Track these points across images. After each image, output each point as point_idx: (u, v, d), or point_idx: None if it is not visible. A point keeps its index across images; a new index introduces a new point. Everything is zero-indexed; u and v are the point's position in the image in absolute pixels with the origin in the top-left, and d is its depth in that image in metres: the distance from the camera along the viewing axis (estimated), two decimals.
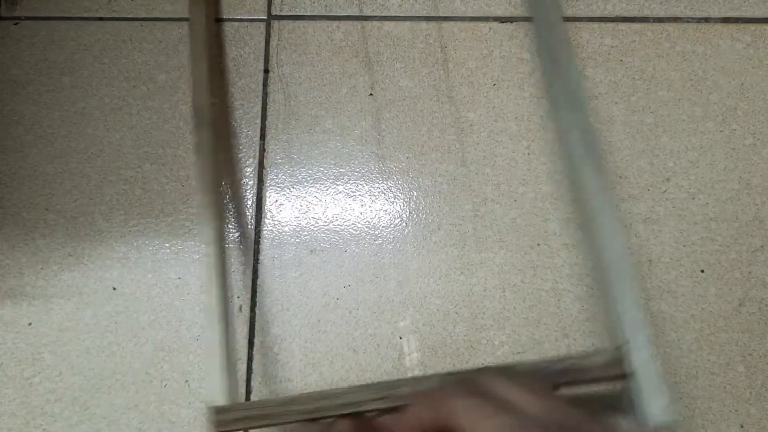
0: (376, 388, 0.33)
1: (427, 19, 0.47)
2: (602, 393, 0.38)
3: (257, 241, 0.43)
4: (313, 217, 0.43)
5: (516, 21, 0.47)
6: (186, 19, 0.48)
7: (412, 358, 0.40)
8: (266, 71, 0.46)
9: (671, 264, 0.41)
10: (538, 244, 0.42)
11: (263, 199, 0.44)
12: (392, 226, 0.43)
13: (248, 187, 0.44)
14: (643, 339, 0.34)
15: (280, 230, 0.43)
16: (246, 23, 0.47)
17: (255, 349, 0.41)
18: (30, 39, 0.47)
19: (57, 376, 0.41)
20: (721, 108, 0.44)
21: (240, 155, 0.45)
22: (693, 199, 0.42)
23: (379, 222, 0.43)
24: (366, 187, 0.44)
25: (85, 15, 0.48)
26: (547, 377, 0.33)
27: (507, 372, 0.32)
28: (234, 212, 0.44)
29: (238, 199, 0.44)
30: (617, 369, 0.33)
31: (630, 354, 0.34)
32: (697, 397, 0.39)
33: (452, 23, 0.47)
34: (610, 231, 0.36)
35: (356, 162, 0.44)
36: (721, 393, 0.39)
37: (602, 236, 0.36)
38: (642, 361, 0.33)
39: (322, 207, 0.44)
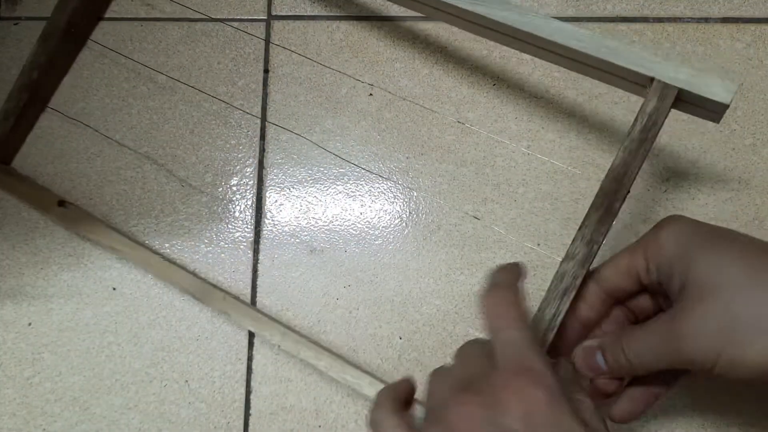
0: None
1: (427, 19, 0.47)
2: None
3: (257, 241, 0.43)
4: (313, 217, 0.43)
5: None
6: (186, 20, 0.48)
7: None
8: (266, 71, 0.46)
9: None
10: (538, 244, 0.42)
11: (263, 199, 0.44)
12: (392, 226, 0.43)
13: (248, 187, 0.44)
14: (663, 62, 0.34)
15: (280, 230, 0.43)
16: (246, 23, 0.47)
17: (255, 349, 0.41)
18: (30, 39, 0.47)
19: (57, 376, 0.41)
20: None
21: (240, 155, 0.45)
22: (693, 199, 0.42)
23: (379, 222, 0.43)
24: (366, 187, 0.44)
25: None
26: None
27: None
28: (234, 212, 0.44)
29: (238, 199, 0.44)
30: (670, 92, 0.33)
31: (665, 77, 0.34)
32: (697, 396, 0.39)
33: None
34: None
35: (356, 162, 0.44)
36: (721, 393, 0.39)
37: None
38: (679, 72, 0.34)
39: (322, 207, 0.44)
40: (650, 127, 0.33)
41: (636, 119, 0.33)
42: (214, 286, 0.40)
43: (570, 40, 0.35)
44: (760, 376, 0.26)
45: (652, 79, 0.34)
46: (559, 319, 0.31)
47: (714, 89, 0.33)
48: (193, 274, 0.41)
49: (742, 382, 0.26)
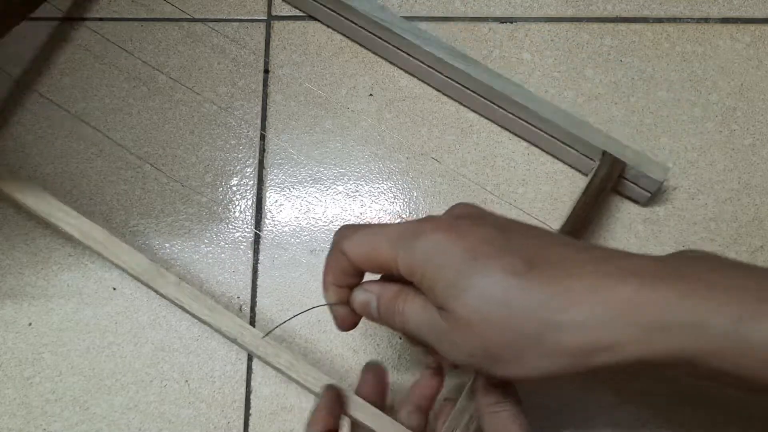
0: None
1: (427, 19, 0.47)
2: None
3: (257, 241, 0.43)
4: (313, 217, 0.43)
5: (516, 21, 0.47)
6: (187, 20, 0.48)
7: None
8: (266, 71, 0.46)
9: None
10: None
11: (263, 200, 0.44)
12: None
13: (248, 188, 0.44)
14: (613, 139, 0.40)
15: (280, 230, 0.43)
16: (246, 23, 0.47)
17: None
18: (30, 39, 0.47)
19: (57, 376, 0.41)
20: (720, 108, 0.44)
21: (240, 155, 0.45)
22: (693, 199, 0.42)
23: (379, 222, 0.43)
24: (366, 187, 0.44)
25: (85, 15, 0.48)
26: None
27: None
28: (234, 212, 0.44)
29: (238, 199, 0.44)
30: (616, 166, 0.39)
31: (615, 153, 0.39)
32: (695, 395, 0.39)
33: (452, 23, 0.47)
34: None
35: (356, 162, 0.44)
36: (721, 393, 0.39)
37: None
38: (626, 150, 0.39)
39: (322, 207, 0.44)
40: (600, 190, 0.38)
41: (590, 182, 0.39)
42: (164, 267, 0.38)
43: (541, 109, 0.40)
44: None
45: (604, 153, 0.39)
46: None
47: (651, 167, 0.39)
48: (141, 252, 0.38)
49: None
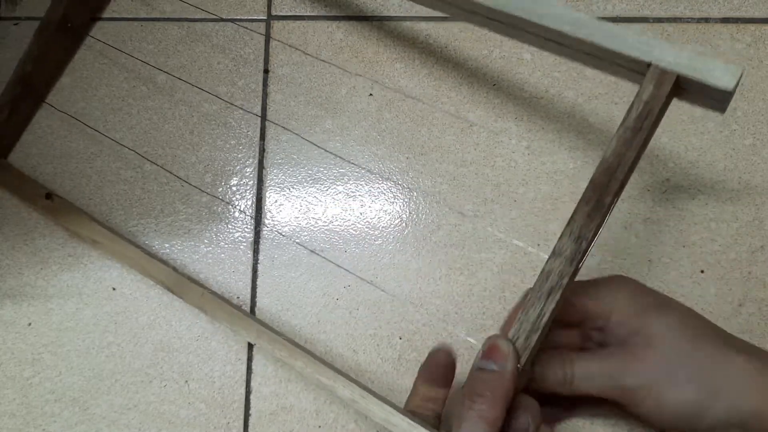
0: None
1: (427, 19, 0.47)
2: None
3: (257, 241, 0.43)
4: (313, 217, 0.43)
5: None
6: (186, 20, 0.48)
7: None
8: (266, 71, 0.46)
9: (671, 264, 0.41)
10: (538, 245, 0.42)
11: (263, 200, 0.44)
12: (392, 226, 0.43)
13: (248, 187, 0.44)
14: (662, 45, 0.31)
15: (280, 230, 0.43)
16: (246, 23, 0.47)
17: (255, 348, 0.41)
18: (30, 39, 0.47)
19: (57, 376, 0.41)
20: None
21: (240, 155, 0.45)
22: (693, 199, 0.42)
23: (379, 222, 0.43)
24: (366, 187, 0.44)
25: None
26: None
27: None
28: (234, 212, 0.44)
29: (238, 200, 0.44)
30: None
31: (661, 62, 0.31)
32: None
33: (452, 23, 0.47)
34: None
35: (356, 162, 0.44)
36: None
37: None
38: (679, 57, 0.31)
39: (322, 207, 0.44)
40: (645, 115, 0.31)
41: (631, 107, 0.31)
42: (192, 280, 0.39)
43: (562, 24, 0.32)
44: (673, 422, 0.31)
45: (649, 65, 0.31)
46: (544, 320, 0.29)
47: (716, 74, 0.30)
48: (173, 268, 0.40)
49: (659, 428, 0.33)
